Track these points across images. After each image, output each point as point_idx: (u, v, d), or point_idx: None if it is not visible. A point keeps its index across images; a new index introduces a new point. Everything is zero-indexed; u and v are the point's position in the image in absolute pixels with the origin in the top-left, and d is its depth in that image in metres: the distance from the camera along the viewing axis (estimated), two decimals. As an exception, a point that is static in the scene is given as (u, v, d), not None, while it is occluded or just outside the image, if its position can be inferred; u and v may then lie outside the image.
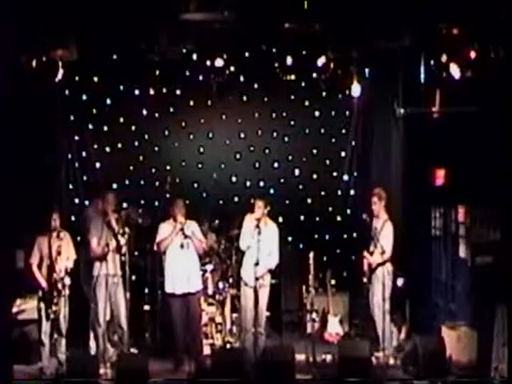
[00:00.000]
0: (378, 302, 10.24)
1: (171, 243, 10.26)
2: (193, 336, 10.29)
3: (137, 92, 12.23)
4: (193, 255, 10.35)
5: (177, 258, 10.28)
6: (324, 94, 12.26)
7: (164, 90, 12.26)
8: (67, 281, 9.95)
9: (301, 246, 12.33)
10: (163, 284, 10.45)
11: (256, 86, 12.36)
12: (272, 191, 12.53)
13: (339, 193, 12.68)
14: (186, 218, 10.31)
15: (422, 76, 10.55)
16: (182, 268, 10.23)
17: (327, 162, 12.73)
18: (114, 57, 10.84)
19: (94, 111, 12.33)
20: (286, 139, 12.68)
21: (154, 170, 12.48)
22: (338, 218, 12.66)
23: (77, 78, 11.72)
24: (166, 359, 10.33)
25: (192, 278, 10.25)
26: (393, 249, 10.40)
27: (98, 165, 12.37)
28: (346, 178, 12.68)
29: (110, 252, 10.06)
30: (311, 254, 10.47)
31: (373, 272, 10.42)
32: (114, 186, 12.01)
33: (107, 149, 12.44)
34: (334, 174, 12.73)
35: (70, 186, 12.21)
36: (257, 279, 10.09)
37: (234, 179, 12.62)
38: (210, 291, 11.05)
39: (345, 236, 12.48)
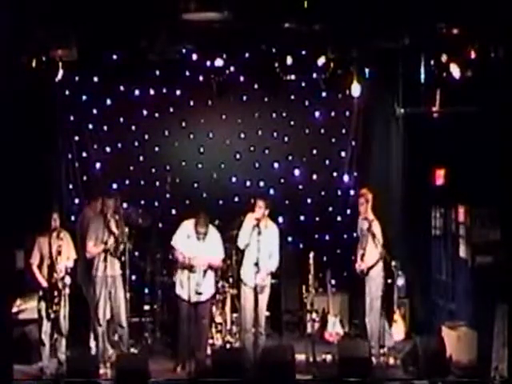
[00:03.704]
0: (372, 300, 10.22)
1: None
2: (199, 339, 10.19)
3: (137, 92, 12.24)
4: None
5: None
6: (324, 93, 12.27)
7: (164, 90, 12.27)
8: (67, 280, 9.96)
9: (301, 245, 12.32)
10: (175, 286, 10.33)
11: (256, 86, 12.32)
12: (272, 191, 12.51)
13: (339, 193, 12.68)
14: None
15: (422, 76, 10.55)
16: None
17: (327, 162, 12.72)
18: (114, 57, 10.83)
19: (94, 111, 12.33)
20: (286, 139, 12.67)
21: (154, 170, 12.47)
22: (338, 218, 12.65)
23: (77, 78, 11.74)
24: (166, 359, 10.34)
25: (204, 285, 10.19)
26: (383, 247, 10.22)
27: (98, 165, 12.37)
28: (346, 177, 12.67)
29: (108, 253, 10.07)
30: (311, 254, 10.46)
31: (367, 273, 10.30)
32: (114, 185, 12.02)
33: (107, 149, 12.43)
34: (334, 174, 12.72)
35: (70, 186, 12.21)
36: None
37: (233, 179, 12.62)
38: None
39: (345, 236, 12.46)
